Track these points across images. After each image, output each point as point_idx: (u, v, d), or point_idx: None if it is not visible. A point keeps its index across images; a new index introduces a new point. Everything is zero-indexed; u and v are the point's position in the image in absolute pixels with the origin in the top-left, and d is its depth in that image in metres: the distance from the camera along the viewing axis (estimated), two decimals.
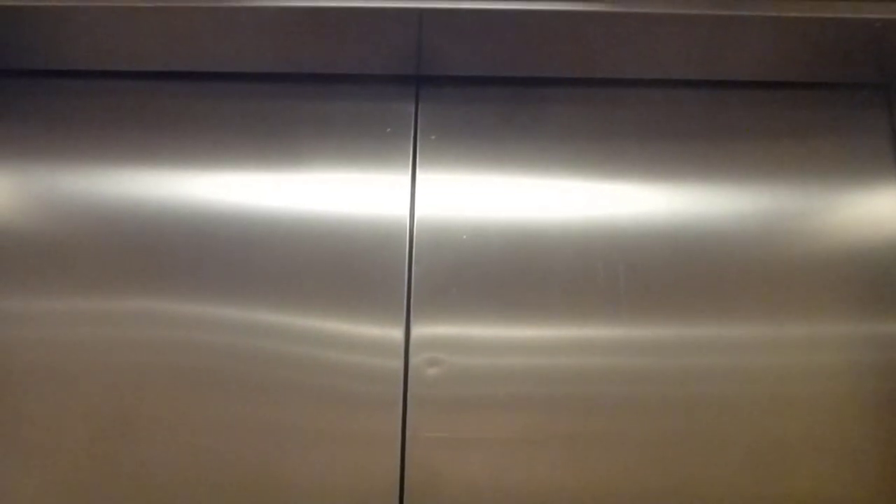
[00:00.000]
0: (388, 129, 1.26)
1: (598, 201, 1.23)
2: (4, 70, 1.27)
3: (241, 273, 1.19)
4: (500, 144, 1.25)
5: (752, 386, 1.15)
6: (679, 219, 1.22)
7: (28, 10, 1.12)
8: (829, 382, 1.15)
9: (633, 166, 1.24)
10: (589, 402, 1.14)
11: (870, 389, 1.15)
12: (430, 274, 1.18)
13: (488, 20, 1.12)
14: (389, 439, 1.12)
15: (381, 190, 1.23)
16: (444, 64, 1.24)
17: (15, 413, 1.14)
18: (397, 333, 1.16)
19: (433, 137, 1.26)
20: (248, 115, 1.27)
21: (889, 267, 1.21)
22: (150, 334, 1.16)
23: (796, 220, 1.22)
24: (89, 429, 1.13)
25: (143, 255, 1.20)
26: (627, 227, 1.21)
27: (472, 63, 1.24)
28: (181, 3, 1.11)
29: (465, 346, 1.16)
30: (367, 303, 1.17)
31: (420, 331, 1.16)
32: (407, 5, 1.11)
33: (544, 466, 1.11)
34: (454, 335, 1.16)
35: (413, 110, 1.27)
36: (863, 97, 1.28)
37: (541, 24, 1.13)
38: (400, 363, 1.15)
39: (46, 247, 1.21)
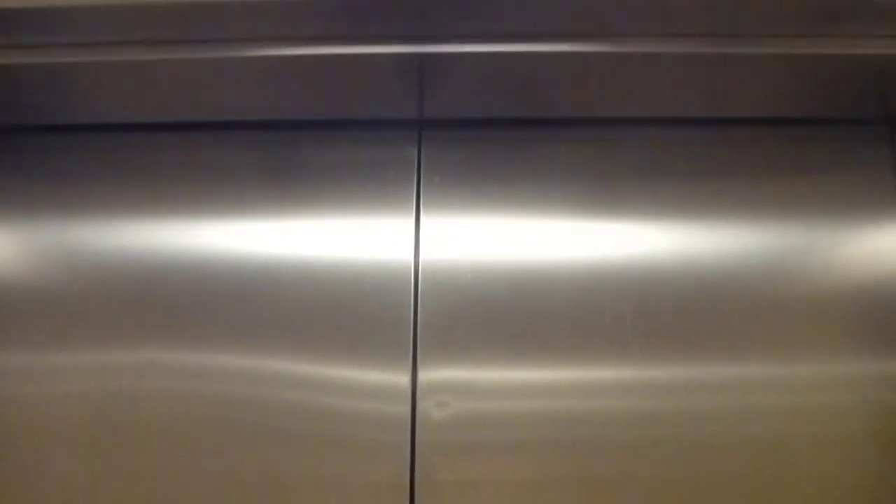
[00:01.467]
0: (391, 174, 1.26)
1: (602, 241, 1.22)
2: (10, 126, 1.28)
3: (245, 321, 1.18)
4: (503, 186, 1.25)
5: (761, 426, 1.13)
6: (684, 258, 1.21)
7: (33, 68, 1.12)
8: (839, 422, 1.14)
9: (637, 205, 1.24)
10: (597, 444, 1.12)
11: (882, 429, 1.13)
12: (436, 317, 1.17)
13: (488, 63, 1.12)
14: (397, 486, 1.10)
15: (384, 234, 1.22)
16: (445, 107, 1.24)
17: (20, 469, 1.13)
18: (404, 378, 1.14)
19: (436, 180, 1.25)
20: (250, 163, 1.27)
21: None
22: (155, 385, 1.15)
23: (802, 258, 1.21)
24: (95, 483, 1.12)
25: (148, 306, 1.19)
26: (633, 267, 1.20)
27: (473, 105, 1.24)
28: (182, 55, 1.11)
29: (472, 389, 1.14)
30: (373, 348, 1.16)
31: (427, 375, 1.15)
32: (408, 50, 1.11)
33: None
34: (461, 379, 1.15)
35: (416, 154, 1.27)
36: (866, 133, 1.28)
37: (541, 66, 1.13)
38: (407, 408, 1.13)
39: (53, 300, 1.20)
